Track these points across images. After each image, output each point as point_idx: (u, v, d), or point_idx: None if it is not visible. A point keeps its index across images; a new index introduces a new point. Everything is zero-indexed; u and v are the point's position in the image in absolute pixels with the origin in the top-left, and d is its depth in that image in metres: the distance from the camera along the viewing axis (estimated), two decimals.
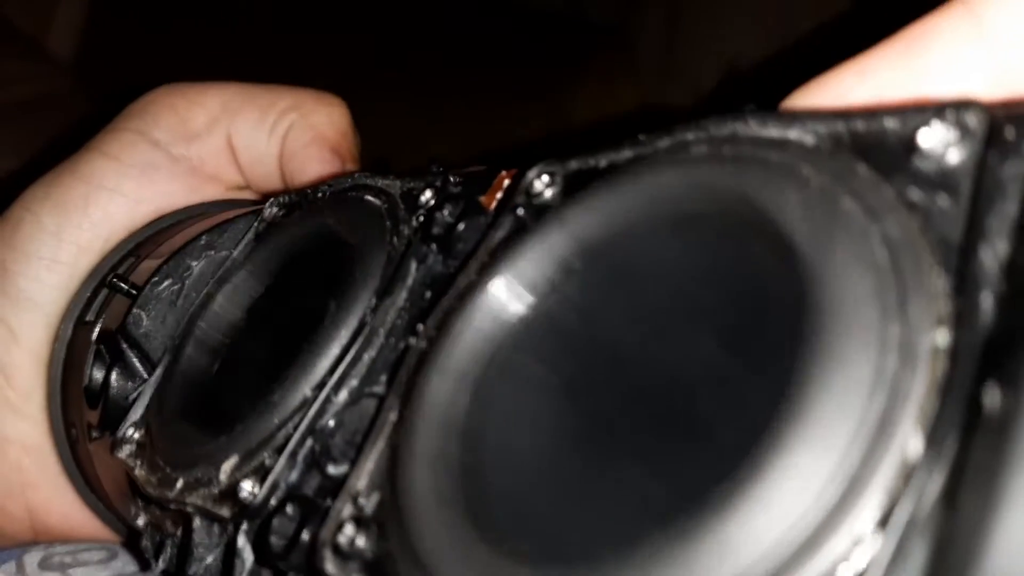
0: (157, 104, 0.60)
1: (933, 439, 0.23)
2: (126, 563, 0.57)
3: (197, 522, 0.41)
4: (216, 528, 0.41)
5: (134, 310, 0.49)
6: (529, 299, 0.35)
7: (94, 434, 0.50)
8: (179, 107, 0.59)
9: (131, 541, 0.55)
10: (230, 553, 0.39)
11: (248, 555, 0.38)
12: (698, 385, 0.29)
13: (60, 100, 0.99)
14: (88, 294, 0.54)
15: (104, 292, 0.53)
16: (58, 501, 0.57)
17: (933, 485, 0.23)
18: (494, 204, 0.40)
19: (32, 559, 0.56)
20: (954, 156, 0.27)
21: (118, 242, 0.55)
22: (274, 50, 1.32)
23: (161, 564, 0.44)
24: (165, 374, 0.47)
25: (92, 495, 0.55)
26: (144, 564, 0.54)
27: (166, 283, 0.50)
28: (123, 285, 0.51)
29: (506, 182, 0.41)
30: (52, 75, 1.06)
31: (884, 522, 0.22)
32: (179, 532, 0.44)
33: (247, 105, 0.60)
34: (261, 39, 1.39)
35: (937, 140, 0.27)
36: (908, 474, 0.23)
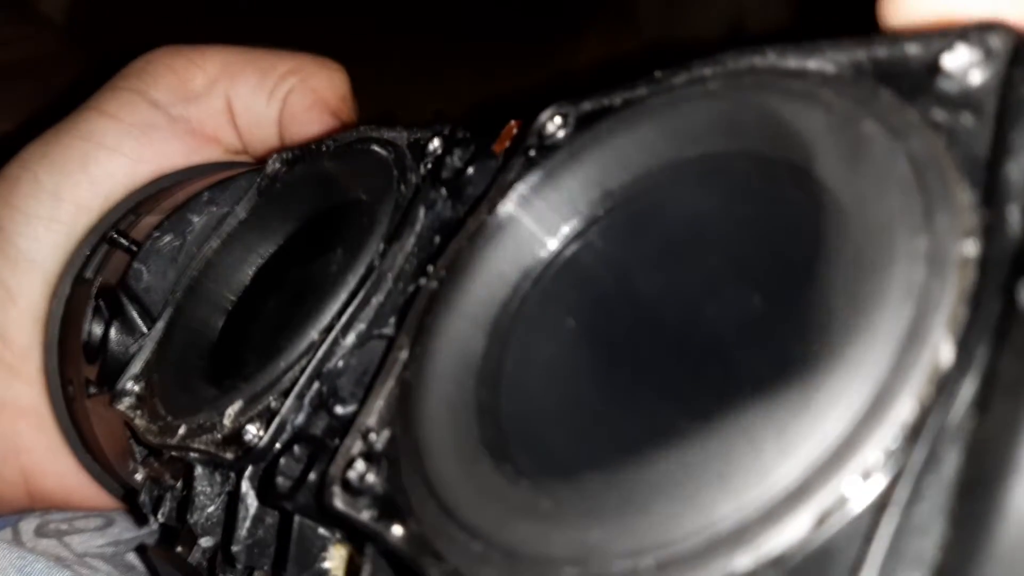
0: (156, 64, 0.59)
1: (964, 346, 0.23)
2: (123, 529, 0.56)
3: (199, 470, 0.40)
4: (218, 477, 0.40)
5: (135, 265, 0.49)
6: (545, 240, 0.34)
7: (92, 390, 0.49)
8: (178, 68, 0.59)
9: (128, 499, 0.55)
10: (234, 499, 0.38)
11: (252, 500, 0.38)
12: (720, 311, 0.29)
13: (52, 61, 0.98)
14: (87, 251, 0.53)
15: (104, 249, 0.52)
16: (54, 464, 0.56)
17: (966, 392, 0.22)
18: (503, 150, 0.40)
19: (28, 526, 0.56)
20: (977, 76, 0.27)
21: (117, 201, 0.54)
22: (268, 12, 1.31)
23: (160, 518, 0.44)
24: (166, 327, 0.46)
25: (88, 455, 0.54)
26: (141, 522, 0.53)
27: (167, 238, 0.49)
28: (123, 240, 0.50)
29: (515, 131, 0.41)
30: (44, 37, 1.05)
31: (916, 430, 0.22)
32: (178, 485, 0.43)
33: (247, 67, 0.60)
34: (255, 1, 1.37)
35: (961, 62, 0.27)
36: (940, 381, 0.22)
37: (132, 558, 0.52)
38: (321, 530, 0.35)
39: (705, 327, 0.30)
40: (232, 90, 0.59)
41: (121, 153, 0.55)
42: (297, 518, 0.35)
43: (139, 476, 0.46)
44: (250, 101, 0.59)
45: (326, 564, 0.35)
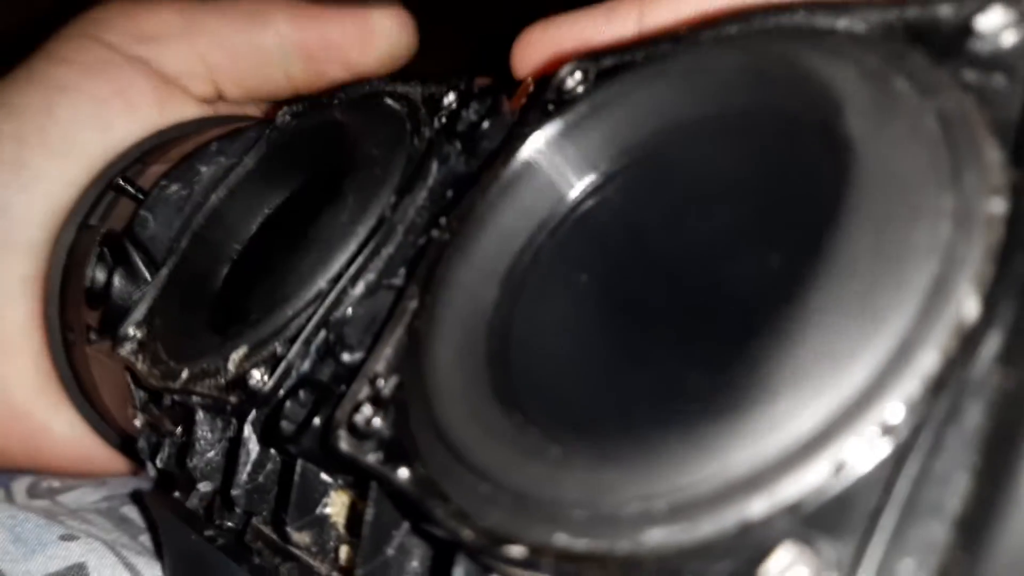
0: (109, 11, 0.58)
1: (990, 302, 0.22)
2: (116, 487, 0.56)
3: (200, 415, 0.40)
4: (219, 423, 0.40)
5: (141, 212, 0.48)
6: (561, 193, 0.34)
7: (92, 336, 0.49)
8: (132, 14, 0.58)
9: (126, 448, 0.54)
10: (235, 444, 0.38)
11: (254, 445, 0.37)
12: (738, 266, 0.29)
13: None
14: (93, 198, 0.52)
15: (109, 197, 0.52)
16: (53, 415, 0.56)
17: (990, 346, 0.22)
18: (520, 105, 0.40)
19: (20, 486, 0.55)
20: (1010, 38, 0.26)
21: (124, 148, 0.54)
22: None
23: (158, 463, 0.43)
24: (171, 275, 0.46)
25: (86, 402, 0.54)
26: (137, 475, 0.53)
27: (175, 187, 0.49)
28: (130, 188, 0.50)
29: (532, 88, 0.40)
30: None
31: (940, 382, 0.22)
32: (178, 431, 0.43)
33: (212, 13, 0.58)
34: None
35: (994, 23, 0.27)
36: (964, 335, 0.22)
37: (127, 511, 0.52)
38: (323, 476, 0.35)
39: (722, 282, 0.29)
40: (206, 29, 0.57)
41: (83, 92, 0.54)
42: (301, 462, 0.35)
43: (137, 422, 0.46)
44: (237, 39, 0.57)
45: (327, 510, 0.35)
